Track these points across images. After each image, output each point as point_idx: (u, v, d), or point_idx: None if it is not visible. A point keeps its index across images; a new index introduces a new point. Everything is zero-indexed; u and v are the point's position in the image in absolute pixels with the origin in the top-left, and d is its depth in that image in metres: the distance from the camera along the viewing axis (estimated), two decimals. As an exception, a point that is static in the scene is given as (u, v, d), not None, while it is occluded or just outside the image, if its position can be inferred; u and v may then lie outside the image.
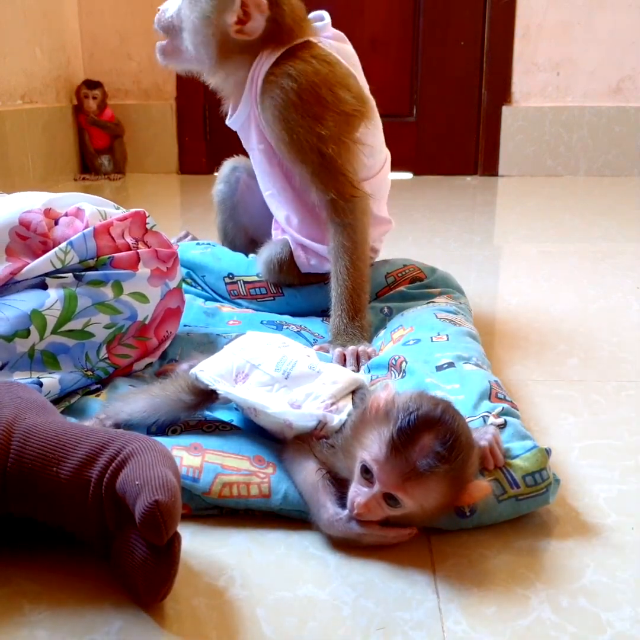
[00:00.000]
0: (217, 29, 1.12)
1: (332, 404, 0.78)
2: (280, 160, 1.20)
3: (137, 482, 0.62)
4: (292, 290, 1.30)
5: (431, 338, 1.04)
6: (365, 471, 0.69)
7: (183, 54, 1.19)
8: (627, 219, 2.31)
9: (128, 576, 0.63)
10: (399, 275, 1.31)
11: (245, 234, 1.45)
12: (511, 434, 0.80)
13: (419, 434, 0.67)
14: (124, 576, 0.64)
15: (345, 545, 0.71)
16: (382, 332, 1.17)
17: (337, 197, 1.15)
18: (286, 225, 1.27)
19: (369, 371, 1.03)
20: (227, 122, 1.25)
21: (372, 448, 0.69)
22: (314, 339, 1.19)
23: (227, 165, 1.44)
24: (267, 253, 1.29)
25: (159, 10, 1.21)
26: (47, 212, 1.00)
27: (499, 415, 0.83)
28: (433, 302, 1.22)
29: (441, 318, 1.12)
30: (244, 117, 1.21)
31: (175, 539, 0.63)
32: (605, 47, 2.95)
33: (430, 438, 0.67)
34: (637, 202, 2.66)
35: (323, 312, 1.29)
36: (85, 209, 1.01)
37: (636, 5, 2.91)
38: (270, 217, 1.33)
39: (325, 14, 1.23)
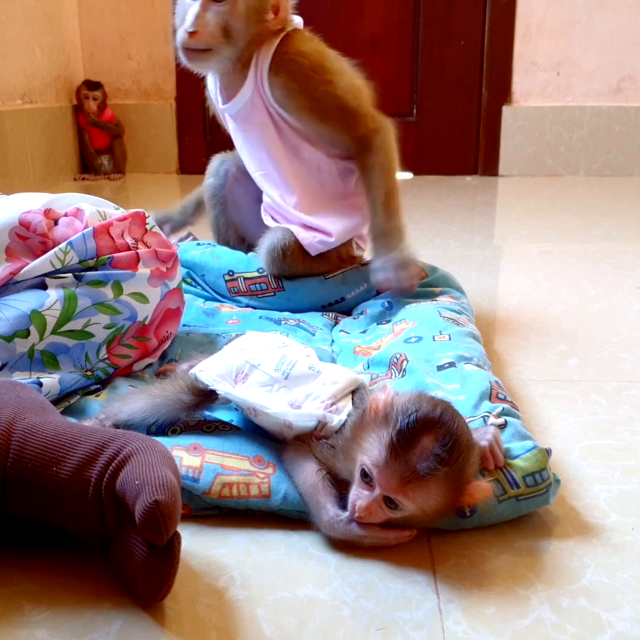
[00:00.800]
0: (258, 25, 1.26)
1: (332, 404, 0.77)
2: (285, 135, 1.30)
3: (137, 482, 0.62)
4: (293, 285, 1.31)
5: (433, 337, 1.04)
6: (365, 475, 0.69)
7: (214, 55, 1.26)
8: (627, 219, 2.31)
9: (128, 576, 0.63)
10: None
11: (236, 231, 1.47)
12: (511, 434, 0.80)
13: (418, 436, 0.67)
14: (124, 575, 0.64)
15: (345, 545, 0.71)
16: (386, 325, 1.17)
17: (366, 133, 1.28)
18: (284, 205, 1.31)
19: (369, 367, 1.03)
20: (221, 106, 1.34)
21: (371, 451, 0.69)
22: (313, 332, 1.19)
23: (215, 159, 1.48)
24: (268, 241, 1.29)
25: (187, 32, 1.24)
26: (47, 213, 0.99)
27: (499, 415, 0.83)
28: (436, 300, 1.22)
29: (445, 317, 1.12)
30: (246, 98, 1.29)
31: (175, 538, 0.62)
32: (605, 46, 2.95)
33: (429, 440, 0.66)
34: (637, 202, 2.65)
35: (323, 308, 1.29)
36: (84, 209, 1.01)
37: (636, 5, 2.91)
38: (259, 211, 1.36)
39: (298, 17, 1.35)
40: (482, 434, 0.76)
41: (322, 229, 1.29)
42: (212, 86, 1.37)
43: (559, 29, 2.96)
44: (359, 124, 1.28)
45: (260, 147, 1.32)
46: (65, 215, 1.01)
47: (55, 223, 0.99)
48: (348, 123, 1.28)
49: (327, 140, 1.31)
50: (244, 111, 1.31)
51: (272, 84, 1.27)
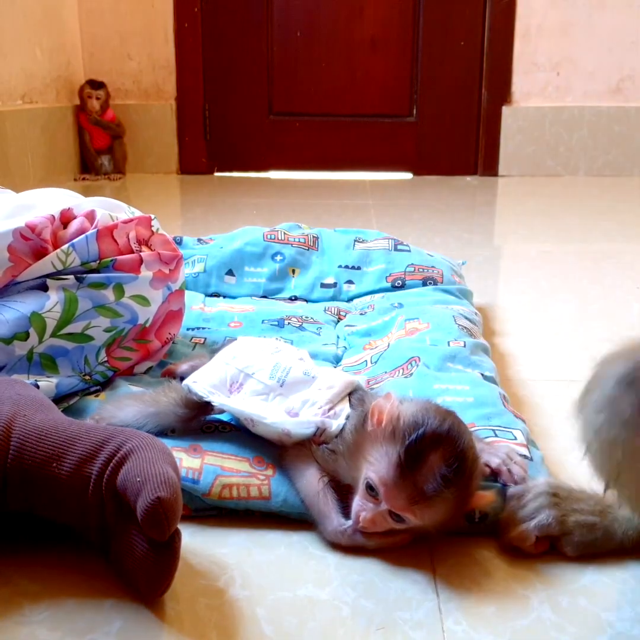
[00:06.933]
0: None
1: (330, 409, 0.77)
2: None
3: (138, 479, 0.62)
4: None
5: (448, 343, 1.04)
6: (371, 488, 0.69)
7: None
8: (627, 219, 2.31)
9: (128, 571, 0.63)
10: (420, 270, 1.34)
11: None
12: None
13: (426, 455, 0.66)
14: (124, 571, 0.64)
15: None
16: (395, 315, 1.18)
17: None
18: None
19: (376, 362, 1.02)
20: None
21: (378, 467, 0.68)
22: (317, 331, 1.18)
23: None
24: None
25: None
26: (64, 214, 0.99)
27: (526, 443, 0.82)
28: (451, 307, 1.22)
29: (460, 325, 1.12)
30: None
31: (176, 534, 0.63)
32: (605, 47, 2.95)
33: (437, 459, 0.66)
34: (637, 202, 2.65)
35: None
36: (97, 212, 1.01)
37: (636, 5, 2.91)
38: None
39: None
40: (495, 451, 0.76)
41: None
42: None
43: (559, 29, 2.96)
44: None
45: None
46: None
47: (65, 227, 0.99)
48: None
49: None
50: None
51: None
